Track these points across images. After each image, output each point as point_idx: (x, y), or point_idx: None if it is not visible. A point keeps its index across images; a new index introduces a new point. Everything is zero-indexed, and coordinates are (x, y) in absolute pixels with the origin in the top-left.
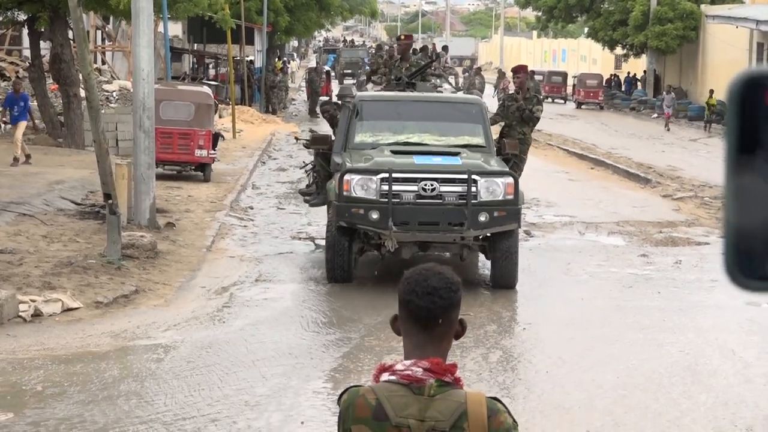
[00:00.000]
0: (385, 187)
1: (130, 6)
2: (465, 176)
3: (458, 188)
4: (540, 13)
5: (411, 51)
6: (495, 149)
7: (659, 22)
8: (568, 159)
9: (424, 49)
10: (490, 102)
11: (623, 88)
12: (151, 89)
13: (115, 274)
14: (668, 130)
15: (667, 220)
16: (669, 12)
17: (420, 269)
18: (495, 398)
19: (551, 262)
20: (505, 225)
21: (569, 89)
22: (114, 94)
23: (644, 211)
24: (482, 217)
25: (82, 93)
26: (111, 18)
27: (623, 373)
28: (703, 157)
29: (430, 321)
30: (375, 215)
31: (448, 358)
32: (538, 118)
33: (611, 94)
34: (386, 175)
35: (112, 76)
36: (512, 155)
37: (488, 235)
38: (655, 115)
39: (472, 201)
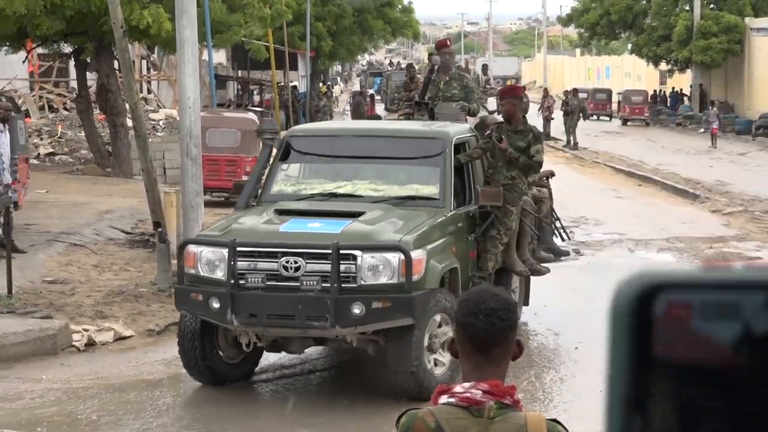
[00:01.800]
0: (233, 264)
1: (173, 35)
2: (330, 251)
3: (327, 267)
4: (583, 31)
5: (446, 62)
6: (460, 201)
7: (703, 36)
8: (615, 176)
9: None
10: (535, 121)
11: (669, 104)
12: (197, 117)
13: (166, 302)
14: (714, 146)
15: (718, 236)
16: (713, 26)
17: (477, 291)
18: (555, 420)
19: (601, 280)
20: (390, 320)
21: (614, 106)
22: (161, 122)
23: (694, 227)
24: (356, 309)
25: (129, 122)
26: (156, 47)
27: None
28: (752, 171)
29: (489, 343)
30: (216, 303)
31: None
32: (539, 163)
33: (657, 110)
34: (233, 249)
35: (158, 104)
36: (491, 208)
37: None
38: (702, 129)
39: (346, 286)
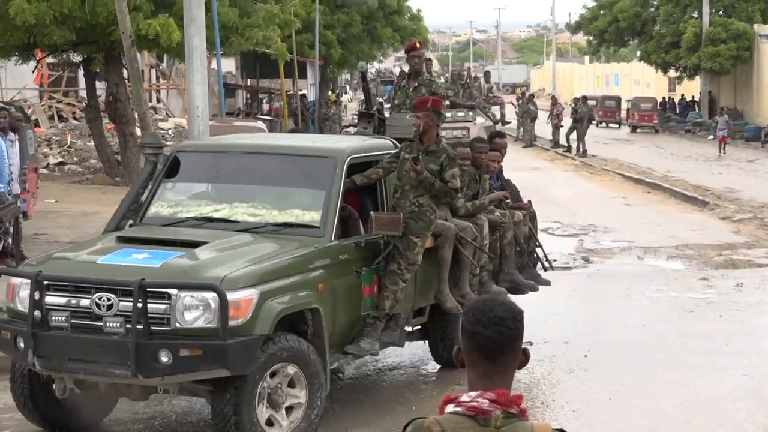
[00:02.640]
0: (37, 299)
1: (182, 44)
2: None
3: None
4: (591, 38)
5: (423, 66)
6: (347, 230)
7: (712, 43)
8: (624, 184)
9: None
10: (544, 129)
11: (678, 111)
12: (206, 126)
13: None
14: (723, 153)
15: (727, 243)
16: (722, 33)
17: (483, 300)
18: (562, 430)
19: (610, 288)
20: (200, 370)
21: (623, 113)
22: (170, 131)
23: (703, 234)
24: (163, 357)
25: (138, 131)
26: (165, 56)
27: (686, 399)
28: (762, 178)
29: (496, 351)
30: (21, 343)
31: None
32: (455, 190)
33: (666, 117)
34: (38, 282)
35: (167, 113)
36: (388, 239)
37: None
38: (711, 137)
39: (158, 329)
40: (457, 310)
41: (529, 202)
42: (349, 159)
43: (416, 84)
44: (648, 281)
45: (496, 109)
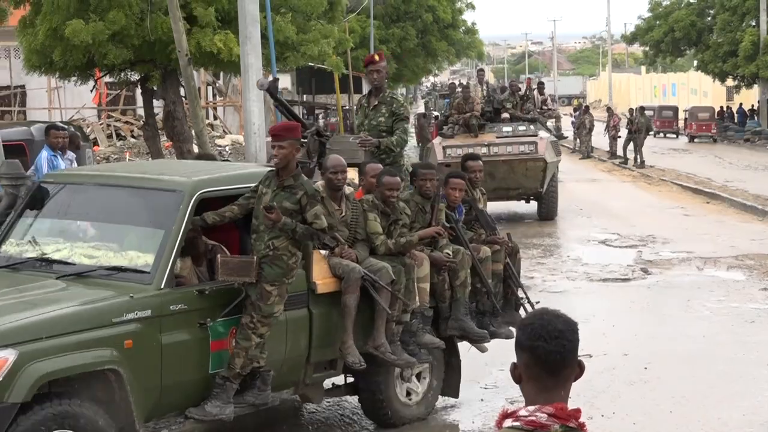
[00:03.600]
0: None
1: (238, 60)
2: None
3: None
4: (647, 48)
5: (384, 82)
6: (179, 276)
7: None
8: (683, 194)
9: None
10: (601, 141)
11: (736, 120)
12: (263, 142)
13: None
14: None
15: None
16: None
17: (539, 314)
18: None
19: (670, 300)
20: None
21: (681, 123)
22: (226, 148)
23: (763, 244)
24: None
25: (196, 148)
26: (221, 73)
27: (749, 411)
28: None
29: (558, 365)
30: None
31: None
32: (322, 230)
33: (724, 127)
34: None
35: (224, 130)
36: (241, 286)
37: None
38: None
39: None
40: (360, 365)
41: (508, 235)
42: (199, 194)
43: (376, 102)
44: (708, 292)
45: (550, 124)
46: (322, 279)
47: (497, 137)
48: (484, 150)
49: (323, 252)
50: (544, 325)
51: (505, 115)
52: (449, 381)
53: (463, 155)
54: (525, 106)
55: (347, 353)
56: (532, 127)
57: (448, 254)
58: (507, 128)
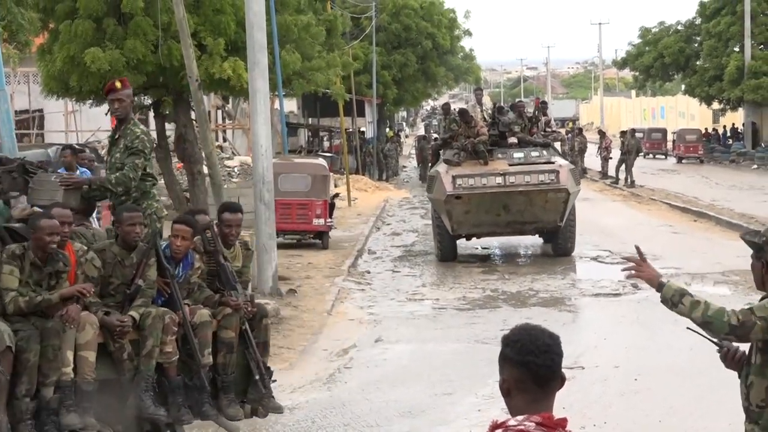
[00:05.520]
0: None
1: (247, 85)
2: None
3: None
4: (637, 73)
5: (129, 112)
6: None
7: (754, 75)
8: (671, 212)
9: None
10: (594, 162)
11: (722, 142)
12: (270, 164)
13: None
14: None
15: None
16: (763, 65)
17: (523, 329)
18: None
19: (659, 314)
20: None
21: (669, 145)
22: (235, 169)
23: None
24: None
25: (206, 170)
26: (230, 97)
27: (736, 420)
28: None
29: (549, 378)
30: None
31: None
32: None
33: (711, 148)
34: None
35: (233, 152)
36: None
37: None
38: (755, 166)
39: None
40: None
41: (251, 297)
42: None
43: (116, 136)
44: None
45: (557, 146)
46: None
47: (509, 164)
48: (499, 180)
49: None
50: (533, 341)
51: (513, 139)
52: None
53: (222, 204)
54: (533, 128)
55: None
56: (545, 152)
57: (133, 317)
58: (518, 154)
